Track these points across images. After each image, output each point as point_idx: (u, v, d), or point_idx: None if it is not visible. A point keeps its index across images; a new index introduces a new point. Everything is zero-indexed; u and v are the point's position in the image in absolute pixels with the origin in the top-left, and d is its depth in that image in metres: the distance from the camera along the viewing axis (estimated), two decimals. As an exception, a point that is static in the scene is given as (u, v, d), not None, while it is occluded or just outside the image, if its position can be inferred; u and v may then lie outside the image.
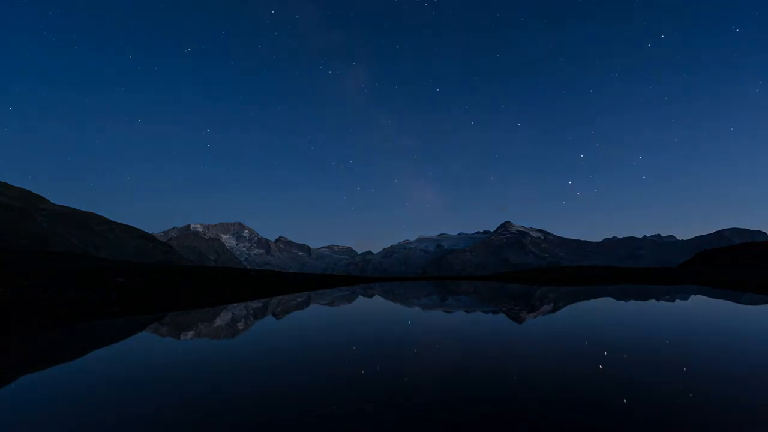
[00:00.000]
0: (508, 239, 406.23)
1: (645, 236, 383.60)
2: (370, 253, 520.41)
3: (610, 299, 19.44)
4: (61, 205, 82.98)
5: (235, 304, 19.62)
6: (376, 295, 25.13)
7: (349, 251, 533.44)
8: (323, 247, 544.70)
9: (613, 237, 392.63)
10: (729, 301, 17.61)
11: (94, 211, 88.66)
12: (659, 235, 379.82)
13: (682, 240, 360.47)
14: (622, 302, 17.84)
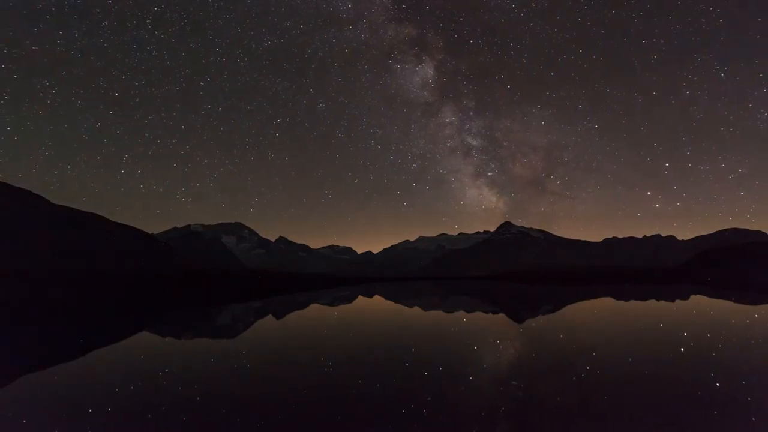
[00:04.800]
0: (509, 239, 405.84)
1: (645, 236, 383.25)
2: (370, 253, 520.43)
3: (610, 299, 19.42)
4: (60, 205, 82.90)
5: (235, 305, 19.59)
6: (376, 295, 25.11)
7: (350, 251, 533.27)
8: (323, 247, 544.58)
9: (613, 237, 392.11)
10: (729, 301, 17.57)
11: (93, 211, 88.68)
12: (659, 235, 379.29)
13: (683, 240, 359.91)
14: (623, 302, 17.81)
